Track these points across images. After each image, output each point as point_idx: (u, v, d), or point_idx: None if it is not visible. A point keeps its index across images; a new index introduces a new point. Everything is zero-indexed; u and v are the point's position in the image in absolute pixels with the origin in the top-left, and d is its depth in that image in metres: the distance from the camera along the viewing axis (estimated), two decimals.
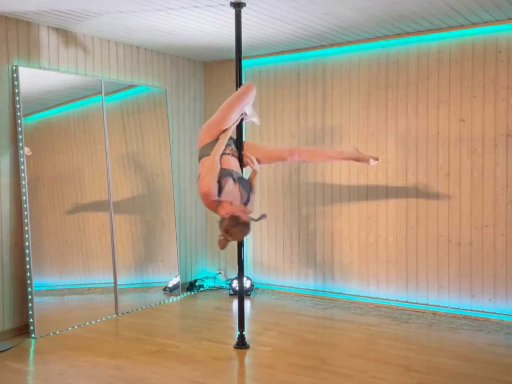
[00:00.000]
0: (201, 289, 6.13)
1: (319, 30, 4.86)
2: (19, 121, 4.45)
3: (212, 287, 6.23)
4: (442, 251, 4.99)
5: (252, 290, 5.91)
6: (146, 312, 5.24)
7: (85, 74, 5.00)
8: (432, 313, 5.01)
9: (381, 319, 4.89)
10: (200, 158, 3.77)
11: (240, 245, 4.17)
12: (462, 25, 4.74)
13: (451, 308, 4.96)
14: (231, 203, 3.61)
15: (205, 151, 3.76)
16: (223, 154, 3.76)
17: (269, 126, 5.89)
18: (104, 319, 4.96)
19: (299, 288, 5.81)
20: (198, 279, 6.23)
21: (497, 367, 3.72)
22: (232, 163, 3.82)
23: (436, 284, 5.03)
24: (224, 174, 3.65)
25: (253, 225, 3.62)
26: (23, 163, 4.45)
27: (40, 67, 4.62)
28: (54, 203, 4.82)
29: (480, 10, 4.29)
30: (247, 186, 3.84)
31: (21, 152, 4.45)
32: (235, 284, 5.82)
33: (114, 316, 5.08)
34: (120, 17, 4.39)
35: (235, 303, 5.43)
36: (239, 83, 4.08)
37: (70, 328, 4.66)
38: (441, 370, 3.66)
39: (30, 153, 4.47)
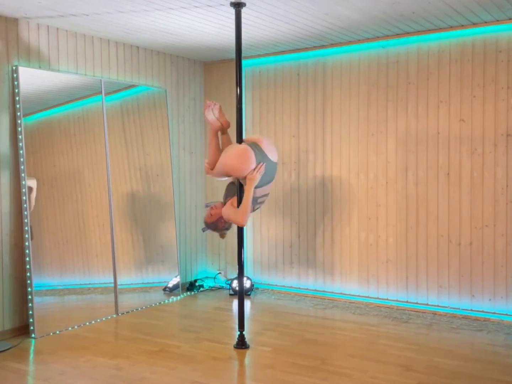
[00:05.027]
0: (201, 289, 6.13)
1: (319, 30, 4.85)
2: (19, 121, 4.45)
3: (212, 287, 6.23)
4: (442, 251, 4.99)
5: (252, 290, 5.91)
6: (146, 312, 5.24)
7: (85, 74, 5.00)
8: (432, 313, 5.01)
9: (381, 319, 4.89)
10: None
11: (240, 245, 4.17)
12: (462, 25, 4.74)
13: (451, 308, 4.96)
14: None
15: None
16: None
17: (269, 126, 5.88)
18: (104, 319, 4.96)
19: (299, 288, 5.81)
20: (198, 279, 6.23)
21: (497, 367, 3.72)
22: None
23: (436, 284, 5.03)
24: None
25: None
26: (23, 163, 4.45)
27: (40, 67, 4.62)
28: (54, 203, 4.82)
29: (480, 10, 4.29)
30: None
31: (21, 152, 4.45)
32: (235, 284, 5.82)
33: (114, 316, 5.08)
34: (120, 17, 4.39)
35: (235, 303, 5.43)
36: (239, 83, 4.08)
37: (70, 328, 4.66)
38: (441, 370, 3.66)
39: None
